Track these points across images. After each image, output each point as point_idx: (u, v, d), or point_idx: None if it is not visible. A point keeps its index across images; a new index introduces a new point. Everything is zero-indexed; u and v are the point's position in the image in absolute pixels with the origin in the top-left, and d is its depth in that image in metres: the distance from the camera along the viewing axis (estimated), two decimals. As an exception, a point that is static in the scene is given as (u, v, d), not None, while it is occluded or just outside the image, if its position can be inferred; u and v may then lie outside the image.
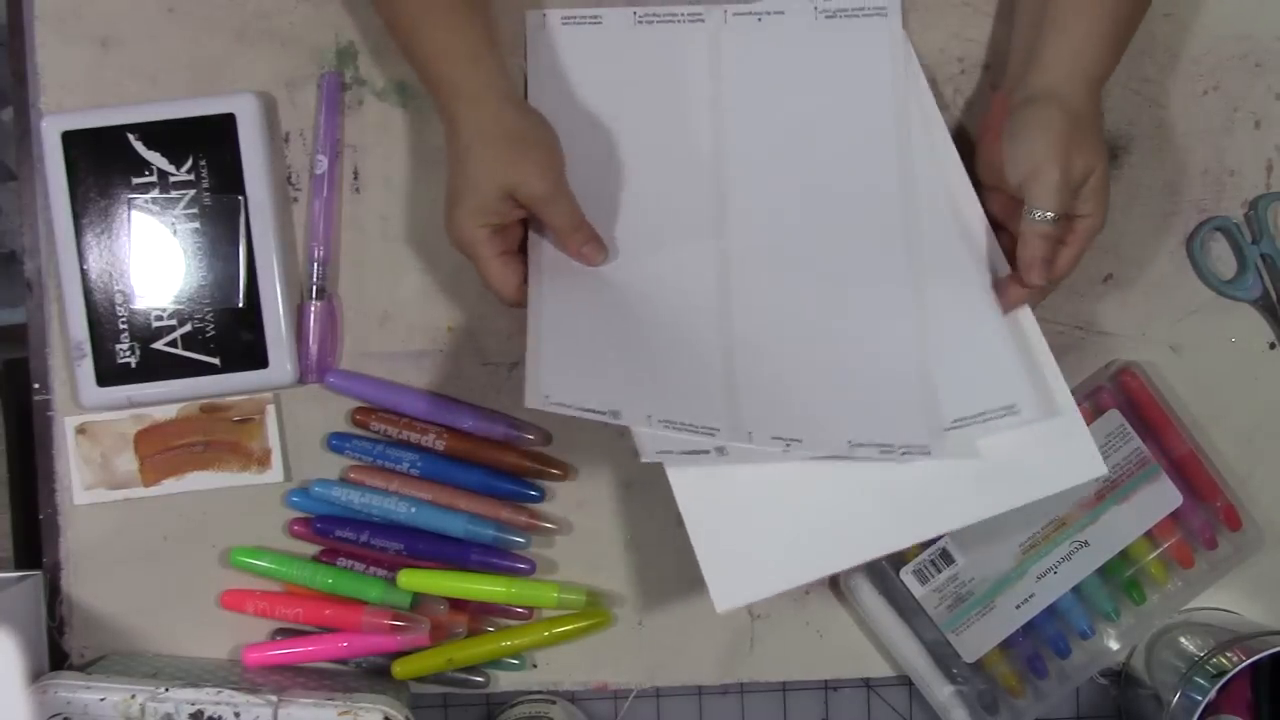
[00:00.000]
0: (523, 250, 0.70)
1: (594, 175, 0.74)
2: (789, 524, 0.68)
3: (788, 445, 0.66)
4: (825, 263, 0.72)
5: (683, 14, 0.76)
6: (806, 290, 0.72)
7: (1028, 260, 0.67)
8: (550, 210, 0.68)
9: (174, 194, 0.74)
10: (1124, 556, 0.77)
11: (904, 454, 0.67)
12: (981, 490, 0.68)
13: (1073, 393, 0.69)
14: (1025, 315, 0.71)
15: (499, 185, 0.66)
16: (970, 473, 0.68)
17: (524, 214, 0.69)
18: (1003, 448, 0.69)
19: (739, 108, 0.75)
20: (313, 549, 0.77)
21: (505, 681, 0.78)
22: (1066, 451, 0.69)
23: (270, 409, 0.76)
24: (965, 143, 0.76)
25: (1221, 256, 0.79)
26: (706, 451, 0.66)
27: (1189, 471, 0.77)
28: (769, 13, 0.76)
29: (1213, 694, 0.70)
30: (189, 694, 0.69)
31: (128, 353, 0.74)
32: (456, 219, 0.67)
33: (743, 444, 0.66)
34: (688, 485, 0.67)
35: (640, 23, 0.75)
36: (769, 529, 0.68)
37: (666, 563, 0.78)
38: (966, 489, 0.68)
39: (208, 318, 0.75)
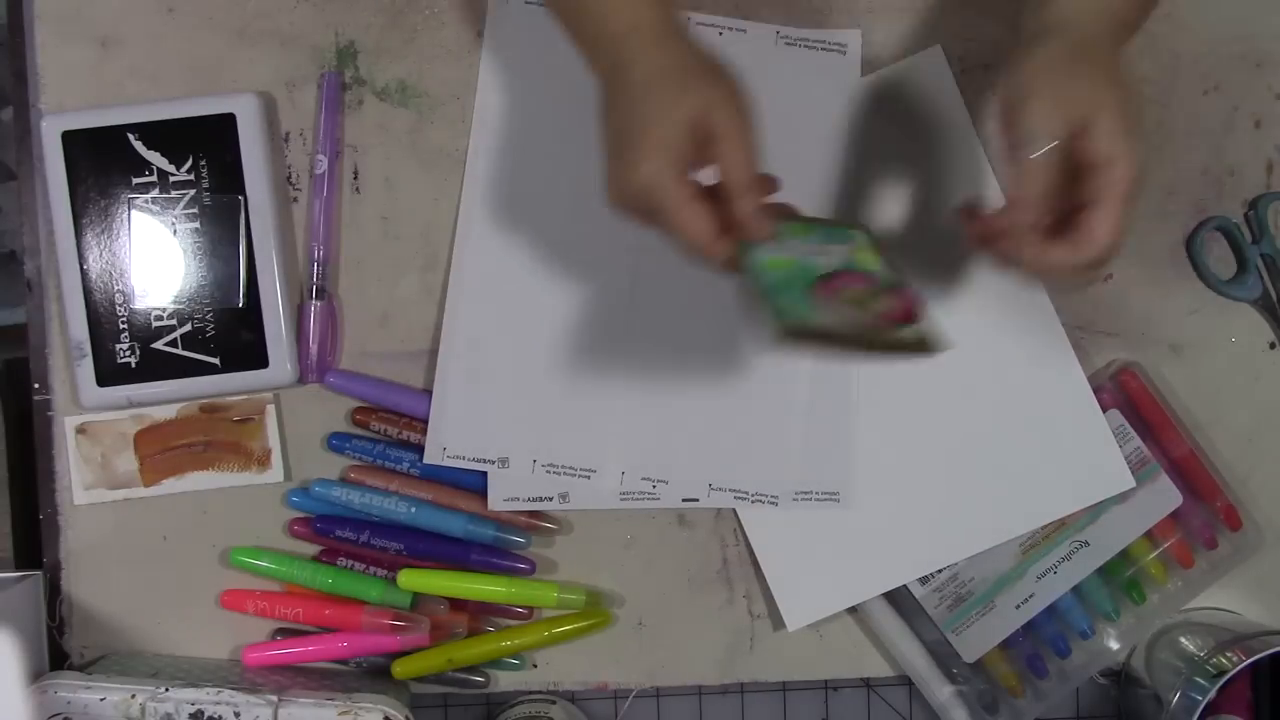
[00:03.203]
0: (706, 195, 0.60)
1: (531, 171, 0.75)
2: (846, 550, 0.76)
3: (654, 485, 0.76)
4: (734, 313, 0.75)
5: None
6: (710, 341, 0.76)
7: (1015, 194, 0.59)
8: (733, 149, 0.58)
9: (174, 194, 0.74)
10: (1124, 556, 0.77)
11: (754, 500, 0.76)
12: (1018, 507, 0.76)
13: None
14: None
15: (688, 112, 0.57)
16: (1007, 492, 0.76)
17: (702, 162, 0.59)
18: (1036, 465, 0.76)
19: None
20: (313, 549, 0.77)
21: (505, 681, 0.78)
22: (1096, 467, 0.75)
23: (270, 409, 0.76)
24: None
25: (1221, 256, 0.79)
26: (550, 499, 0.76)
27: (1189, 471, 0.77)
28: (731, 28, 0.76)
29: (1213, 694, 0.70)
30: (189, 694, 0.69)
31: (128, 353, 0.74)
32: (631, 164, 0.57)
33: (614, 484, 0.76)
34: (757, 519, 0.77)
35: None
36: (829, 555, 0.76)
37: (666, 563, 0.78)
38: (1004, 507, 0.76)
39: (208, 318, 0.75)
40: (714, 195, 0.60)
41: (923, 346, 0.61)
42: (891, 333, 0.60)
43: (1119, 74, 0.59)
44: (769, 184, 0.63)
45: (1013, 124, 0.59)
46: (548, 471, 0.76)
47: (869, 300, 0.61)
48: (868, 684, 0.80)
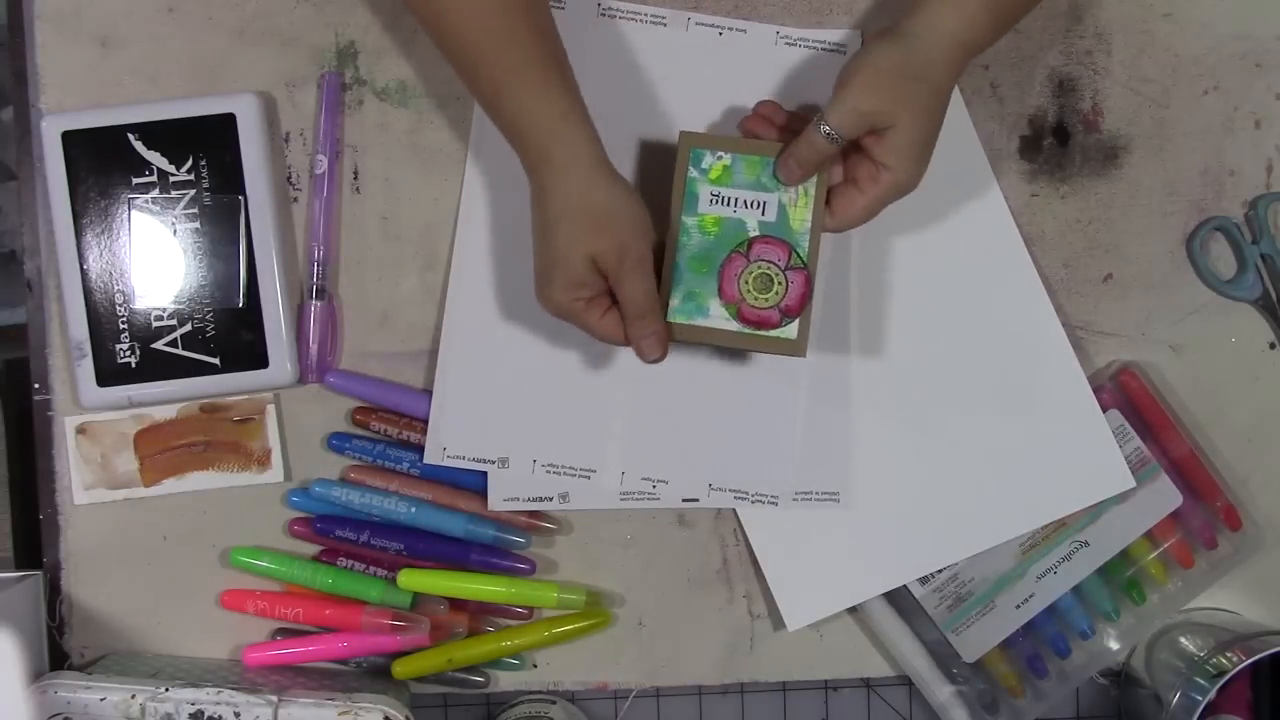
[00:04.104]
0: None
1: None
2: (846, 550, 0.76)
3: (654, 485, 0.76)
4: None
5: (646, 15, 0.76)
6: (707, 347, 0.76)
7: (786, 154, 0.67)
8: (621, 287, 0.66)
9: (174, 194, 0.74)
10: (1124, 556, 0.77)
11: (754, 500, 0.76)
12: (1018, 507, 0.76)
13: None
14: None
15: (585, 255, 0.65)
16: (1007, 492, 0.76)
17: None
18: (1036, 466, 0.76)
19: (682, 117, 0.75)
20: (313, 549, 0.77)
21: (505, 681, 0.78)
22: (1096, 467, 0.75)
23: (270, 409, 0.76)
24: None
25: (1221, 256, 0.79)
26: (550, 499, 0.76)
27: (1189, 471, 0.77)
28: (730, 29, 0.76)
29: (1213, 694, 0.70)
30: (189, 694, 0.69)
31: (128, 353, 0.74)
32: (551, 294, 0.66)
33: (614, 484, 0.76)
34: (757, 519, 0.77)
35: (603, 15, 0.76)
36: (829, 555, 0.76)
37: (666, 563, 0.78)
38: (1004, 507, 0.76)
39: (208, 318, 0.75)
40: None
41: (790, 348, 0.68)
42: (766, 335, 0.68)
43: (933, 98, 0.65)
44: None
45: (830, 100, 0.65)
46: (548, 471, 0.76)
47: (774, 280, 0.68)
48: (868, 684, 0.80)
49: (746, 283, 0.68)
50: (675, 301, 0.68)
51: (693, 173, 0.69)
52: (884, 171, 0.65)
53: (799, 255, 0.68)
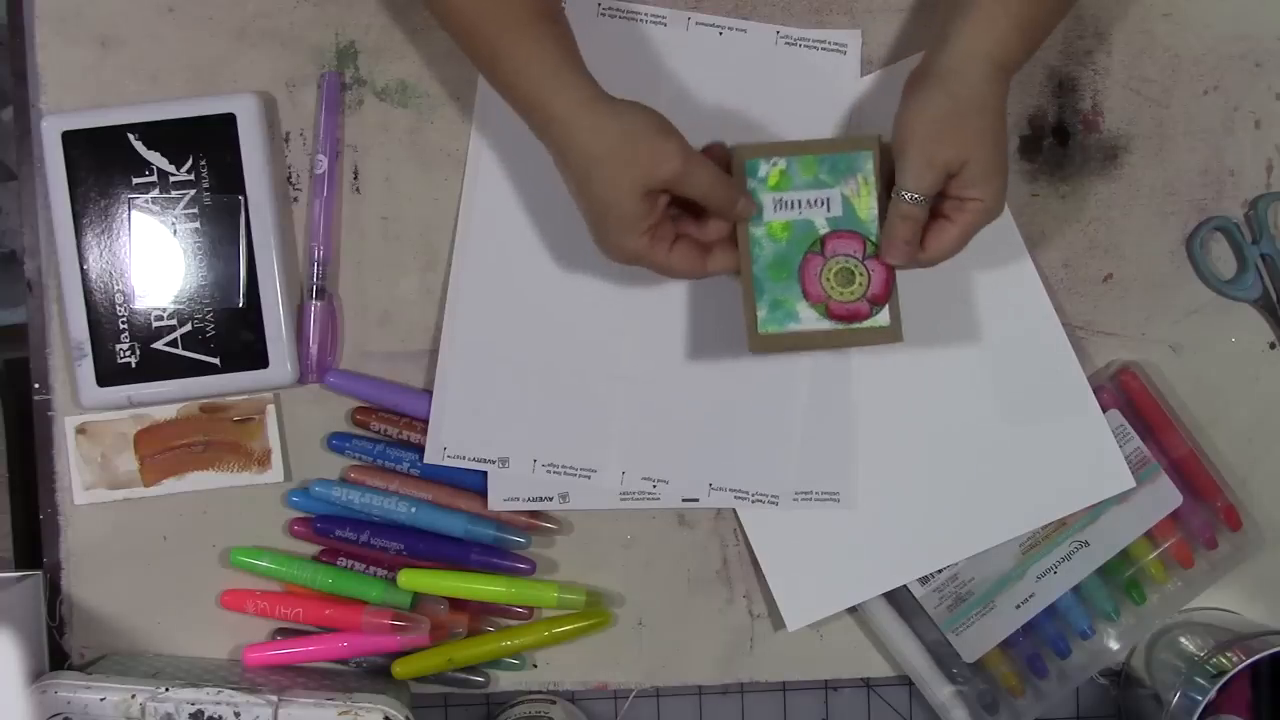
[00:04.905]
0: (680, 228, 0.68)
1: (531, 170, 0.75)
2: (846, 550, 0.76)
3: (654, 485, 0.76)
4: (734, 313, 0.74)
5: (646, 15, 0.76)
6: (711, 340, 0.76)
7: (886, 238, 0.67)
8: (689, 186, 0.65)
9: (174, 194, 0.74)
10: (1124, 556, 0.77)
11: (754, 500, 0.76)
12: (1018, 507, 0.76)
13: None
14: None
15: (633, 188, 0.64)
16: (1007, 492, 0.76)
17: (669, 198, 0.66)
18: (1036, 465, 0.76)
19: (682, 117, 0.75)
20: (313, 549, 0.77)
21: (505, 681, 0.78)
22: (1096, 467, 0.75)
23: (270, 409, 0.76)
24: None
25: (1221, 256, 0.79)
26: (550, 499, 0.76)
27: (1189, 471, 0.77)
28: (731, 28, 0.76)
29: (1213, 694, 0.70)
30: (189, 694, 0.69)
31: (128, 353, 0.74)
32: (612, 240, 0.66)
33: (614, 484, 0.76)
34: (757, 519, 0.77)
35: (603, 15, 0.76)
36: (829, 555, 0.76)
37: (666, 563, 0.78)
38: (1004, 507, 0.76)
39: (208, 318, 0.75)
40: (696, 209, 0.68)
41: (886, 336, 0.69)
42: (860, 327, 0.69)
43: (992, 122, 0.65)
44: (716, 151, 0.70)
45: (896, 167, 0.65)
46: (548, 471, 0.76)
47: (855, 273, 0.68)
48: (868, 684, 0.80)
49: (828, 279, 0.68)
50: (763, 313, 0.68)
51: (751, 183, 0.68)
52: (969, 202, 0.66)
53: (873, 244, 0.68)
